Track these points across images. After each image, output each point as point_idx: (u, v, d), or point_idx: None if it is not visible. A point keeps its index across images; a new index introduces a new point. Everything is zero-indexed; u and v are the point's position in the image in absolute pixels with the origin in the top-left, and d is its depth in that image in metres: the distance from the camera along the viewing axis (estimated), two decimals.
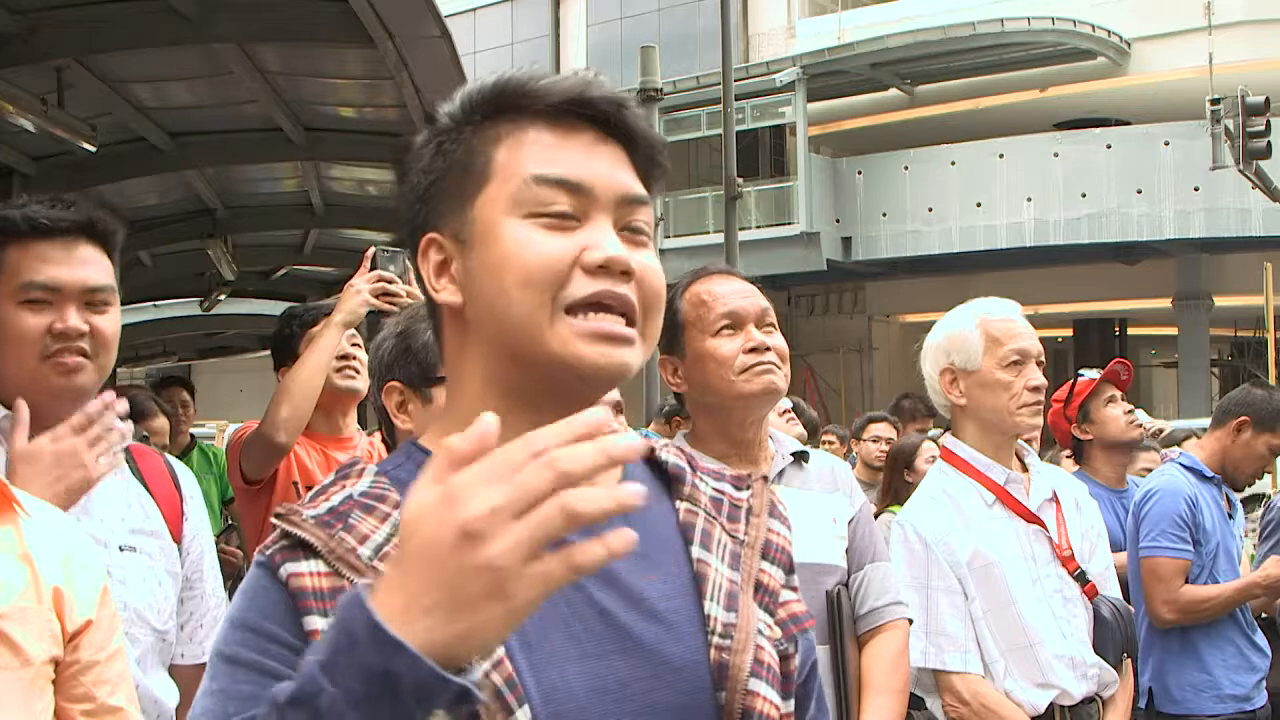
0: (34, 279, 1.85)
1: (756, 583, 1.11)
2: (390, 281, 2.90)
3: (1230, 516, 3.75)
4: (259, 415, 3.43)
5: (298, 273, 10.25)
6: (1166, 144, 21.28)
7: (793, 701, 1.11)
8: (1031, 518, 2.58)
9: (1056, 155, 22.24)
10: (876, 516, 4.19)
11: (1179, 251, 22.45)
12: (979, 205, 22.46)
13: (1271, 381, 14.86)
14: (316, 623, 0.97)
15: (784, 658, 1.10)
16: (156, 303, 12.22)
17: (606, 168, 1.07)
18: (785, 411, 4.24)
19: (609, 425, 0.81)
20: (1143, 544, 3.62)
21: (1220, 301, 23.34)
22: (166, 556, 2.05)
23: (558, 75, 1.09)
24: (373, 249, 3.00)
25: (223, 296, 10.23)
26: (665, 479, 1.15)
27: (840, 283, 25.99)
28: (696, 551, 1.09)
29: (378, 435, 2.76)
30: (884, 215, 23.35)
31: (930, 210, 22.92)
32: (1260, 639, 3.64)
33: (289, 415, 2.88)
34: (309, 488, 2.99)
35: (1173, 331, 24.57)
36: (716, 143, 17.54)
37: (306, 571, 0.99)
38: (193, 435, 5.48)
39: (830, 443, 7.02)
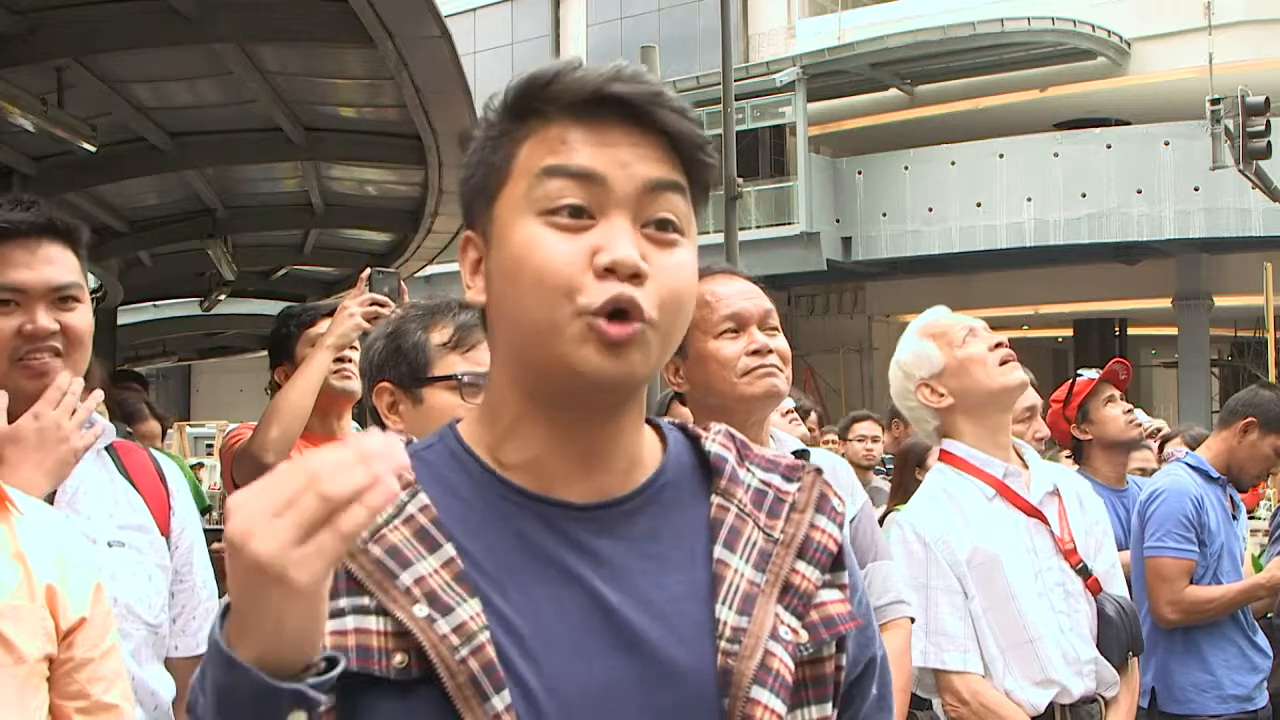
0: None
1: (786, 584, 1.07)
2: (383, 304, 2.89)
3: (1234, 517, 3.75)
4: (258, 415, 3.43)
5: (298, 273, 10.25)
6: (1166, 144, 21.29)
7: (829, 706, 1.08)
8: (1032, 510, 2.57)
9: (1056, 155, 22.25)
10: (885, 515, 4.20)
11: (1179, 251, 22.46)
12: (979, 205, 22.46)
13: (1271, 381, 14.87)
14: None
15: (814, 660, 1.07)
16: (156, 303, 12.22)
17: (626, 156, 1.02)
18: (788, 412, 4.23)
19: (387, 454, 0.84)
20: (1148, 544, 3.61)
21: (1220, 301, 23.35)
22: (155, 551, 2.05)
23: (586, 68, 1.04)
24: (368, 270, 3.00)
25: (223, 296, 10.22)
26: (708, 469, 1.12)
27: (840, 283, 26.00)
28: (718, 552, 1.06)
29: None
30: (884, 215, 23.37)
31: (930, 210, 22.93)
32: (1262, 639, 3.65)
33: (278, 436, 2.88)
34: None
35: (1173, 331, 24.58)
36: (716, 143, 17.40)
37: None
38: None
39: (830, 442, 7.01)
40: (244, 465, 2.98)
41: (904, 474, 4.87)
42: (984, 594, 2.51)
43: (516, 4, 28.15)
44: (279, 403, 2.93)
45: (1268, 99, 15.39)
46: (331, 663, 0.89)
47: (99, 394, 1.93)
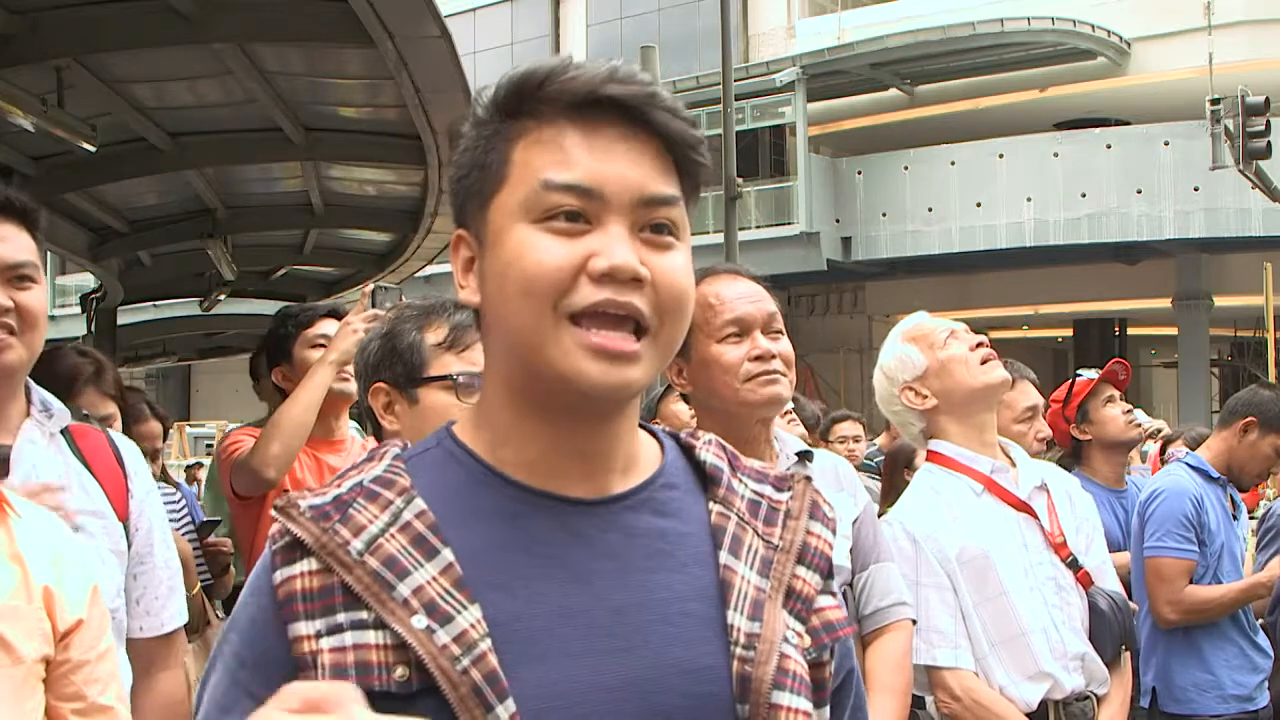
0: None
1: (789, 589, 1.07)
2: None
3: (1235, 518, 3.75)
4: (258, 415, 3.43)
5: (298, 273, 10.24)
6: (1166, 144, 21.30)
7: (827, 709, 1.09)
8: (1021, 505, 2.58)
9: (1056, 155, 22.25)
10: (877, 516, 4.19)
11: (1179, 251, 22.46)
12: (979, 205, 22.47)
13: (1271, 381, 14.87)
14: (301, 629, 0.98)
15: (816, 665, 1.07)
16: (156, 303, 12.21)
17: (624, 167, 1.02)
18: (787, 412, 4.23)
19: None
20: (1148, 544, 3.61)
21: (1220, 301, 23.35)
22: (110, 535, 2.04)
23: (580, 67, 1.03)
24: (371, 286, 3.01)
25: (222, 296, 10.22)
26: (703, 477, 1.13)
27: (840, 283, 26.00)
28: (724, 558, 1.06)
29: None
30: (884, 215, 23.37)
31: (930, 210, 22.93)
32: (1262, 639, 3.64)
33: (279, 452, 2.89)
34: None
35: (1173, 331, 24.58)
36: (716, 143, 17.52)
37: (298, 573, 0.99)
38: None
39: (843, 440, 6.99)
40: (243, 477, 2.99)
41: (894, 476, 4.87)
42: (975, 590, 2.52)
43: (516, 4, 28.15)
44: (280, 418, 2.92)
45: (1268, 99, 15.40)
46: None
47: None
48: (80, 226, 8.08)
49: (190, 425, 22.32)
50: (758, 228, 22.68)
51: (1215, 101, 15.72)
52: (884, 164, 23.67)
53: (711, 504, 1.10)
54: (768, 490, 1.14)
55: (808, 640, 1.06)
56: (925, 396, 2.66)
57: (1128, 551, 3.78)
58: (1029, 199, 22.10)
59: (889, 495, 4.86)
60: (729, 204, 12.76)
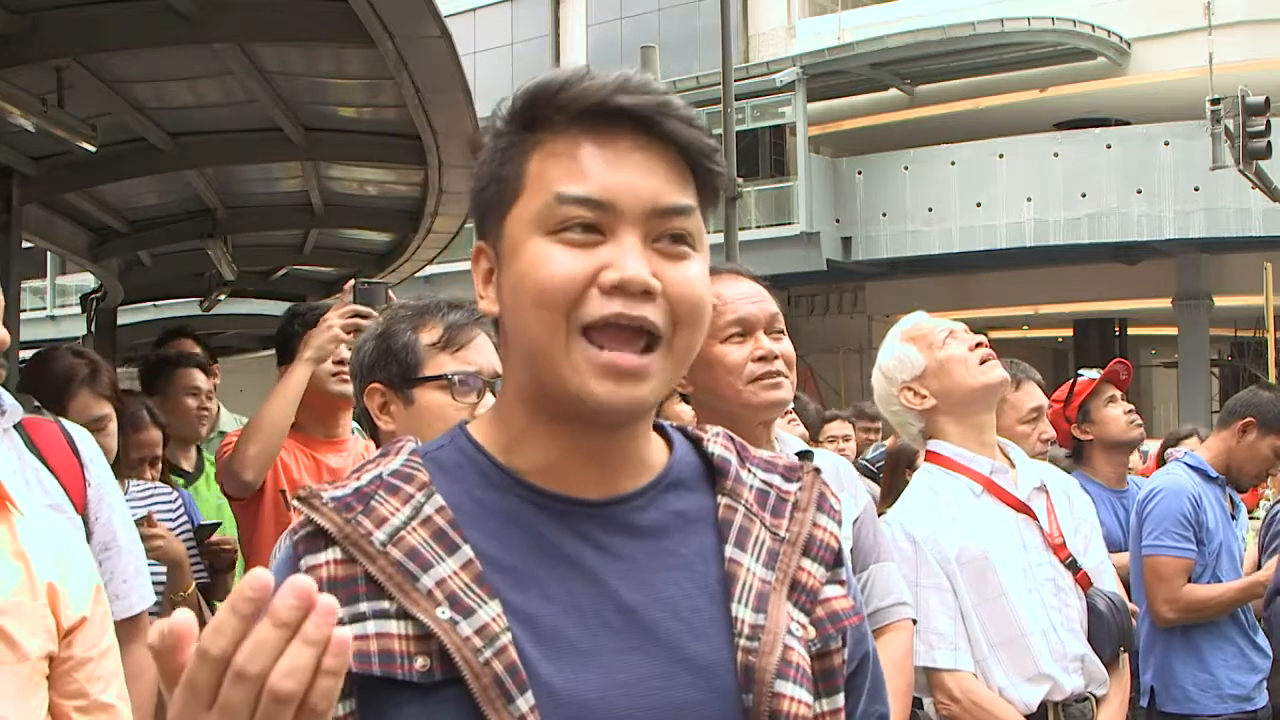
0: None
1: (794, 581, 1.08)
2: (366, 315, 2.87)
3: (1233, 517, 3.75)
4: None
5: (298, 273, 10.23)
6: (1166, 144, 21.29)
7: (840, 697, 1.10)
8: (1020, 506, 2.58)
9: (1056, 155, 22.25)
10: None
11: (1179, 251, 22.46)
12: (979, 205, 22.46)
13: (1272, 381, 14.86)
14: None
15: (823, 655, 1.09)
16: (156, 303, 12.21)
17: (637, 178, 1.02)
18: (788, 412, 4.23)
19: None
20: (1146, 543, 3.61)
21: (1220, 301, 23.35)
22: (72, 526, 2.05)
23: (593, 77, 1.03)
24: (352, 281, 2.98)
25: (223, 296, 10.21)
26: (711, 470, 1.14)
27: (840, 283, 26.00)
28: (730, 550, 1.07)
29: None
30: (884, 215, 23.36)
31: (930, 210, 22.92)
32: (1262, 639, 3.64)
33: (257, 453, 2.88)
34: None
35: (1173, 331, 24.58)
36: (717, 142, 17.52)
37: (323, 561, 1.01)
38: (199, 450, 4.56)
39: (832, 440, 6.99)
40: (227, 479, 2.99)
41: (895, 476, 4.86)
42: (974, 591, 2.52)
43: (516, 4, 28.13)
44: (257, 419, 2.92)
45: (1268, 99, 15.40)
46: None
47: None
48: (80, 226, 8.07)
49: None
50: (758, 228, 22.67)
51: (1215, 101, 15.72)
52: (884, 164, 23.67)
53: (719, 496, 1.11)
54: (776, 480, 1.15)
55: (811, 632, 1.08)
56: (924, 396, 2.66)
57: (1128, 551, 3.78)
58: (1029, 199, 22.10)
59: (888, 496, 4.85)
60: (729, 204, 12.76)
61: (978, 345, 2.65)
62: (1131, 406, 4.10)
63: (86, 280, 10.41)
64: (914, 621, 2.37)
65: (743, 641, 1.03)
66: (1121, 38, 22.85)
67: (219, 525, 3.84)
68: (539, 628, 1.00)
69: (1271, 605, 2.48)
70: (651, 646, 1.02)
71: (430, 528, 1.01)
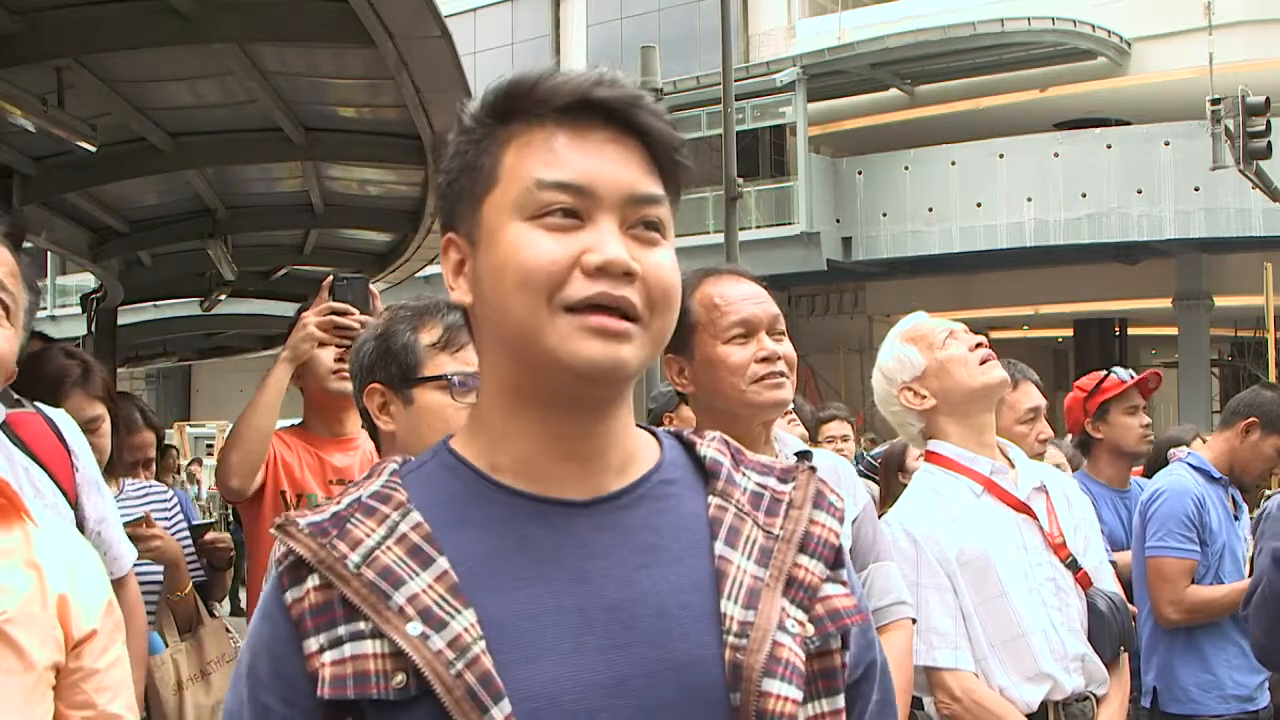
0: None
1: (790, 578, 1.08)
2: (343, 312, 2.84)
3: (1236, 518, 3.75)
4: None
5: (298, 273, 10.23)
6: (1166, 144, 21.29)
7: (840, 699, 1.09)
8: (1021, 506, 2.58)
9: (1056, 155, 22.24)
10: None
11: (1179, 251, 22.46)
12: (979, 205, 22.45)
13: (1272, 381, 14.85)
14: (311, 645, 1.00)
15: (822, 654, 1.08)
16: (156, 303, 12.21)
17: (612, 167, 1.05)
18: (788, 412, 4.23)
19: None
20: (1149, 543, 3.61)
21: (1220, 301, 23.34)
22: (66, 523, 2.05)
23: (567, 73, 1.07)
24: (330, 278, 2.95)
25: (223, 296, 10.21)
26: (704, 473, 1.14)
27: (840, 283, 26.00)
28: (719, 548, 1.07)
29: None
30: (884, 215, 23.36)
31: (930, 210, 22.92)
32: None
33: (240, 460, 2.85)
34: (299, 495, 2.99)
35: (1173, 331, 24.57)
36: (716, 143, 17.53)
37: (306, 590, 1.02)
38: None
39: (830, 440, 6.99)
40: (219, 486, 2.98)
41: (889, 479, 4.86)
42: (975, 591, 2.52)
43: (516, 4, 28.14)
44: (239, 425, 2.89)
45: (1268, 99, 15.39)
46: None
47: None
48: (80, 226, 8.08)
49: (190, 425, 22.33)
50: (758, 228, 22.67)
51: (1215, 101, 15.71)
52: (884, 164, 23.66)
53: (710, 497, 1.11)
54: (771, 482, 1.15)
55: (810, 629, 1.07)
56: (924, 397, 2.65)
57: (1130, 551, 3.78)
58: (1029, 199, 22.09)
59: (886, 500, 4.85)
60: (729, 204, 12.76)
61: (977, 345, 2.65)
62: (1149, 421, 4.08)
63: (86, 280, 10.41)
64: (914, 621, 2.37)
65: (731, 639, 1.03)
66: (1121, 38, 22.85)
67: (214, 523, 3.84)
68: (518, 629, 1.00)
69: (1248, 606, 2.48)
70: (636, 644, 1.01)
71: (405, 545, 1.02)
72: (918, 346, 2.68)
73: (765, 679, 1.01)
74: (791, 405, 4.47)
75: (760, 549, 1.08)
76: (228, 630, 3.44)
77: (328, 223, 8.52)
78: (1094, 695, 2.55)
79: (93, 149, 5.74)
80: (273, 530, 1.05)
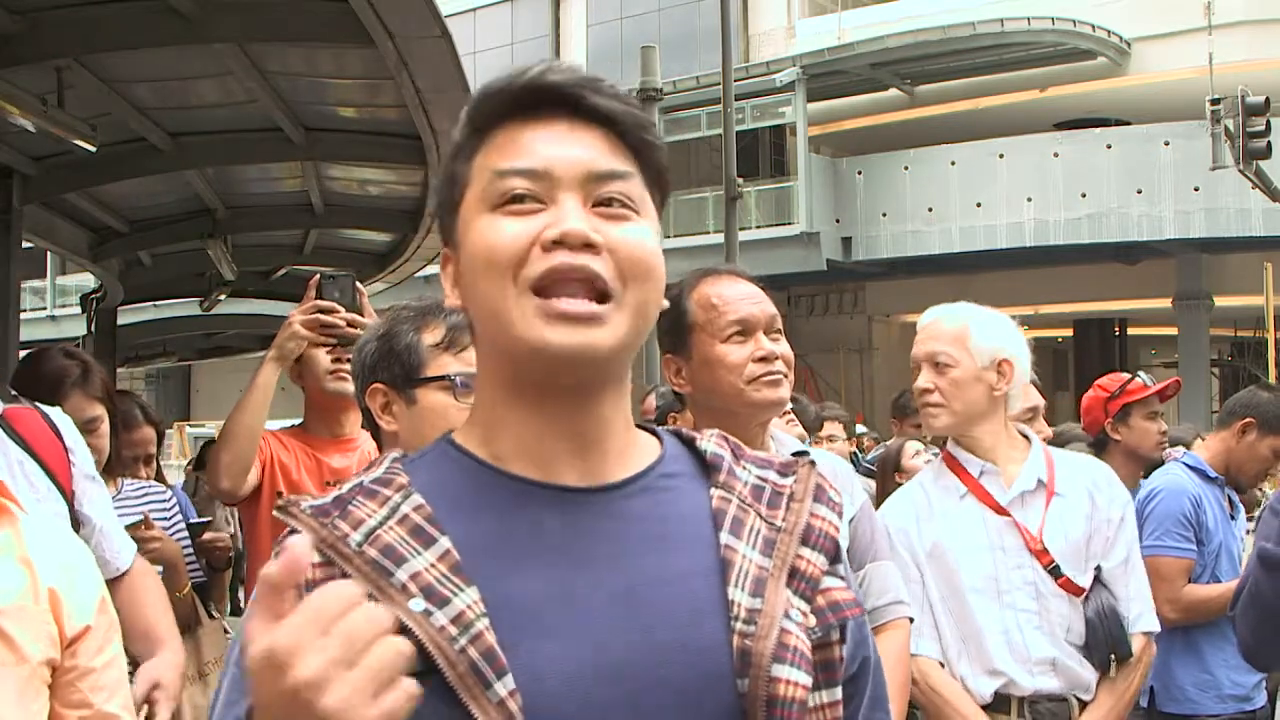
0: None
1: (792, 569, 1.08)
2: (329, 310, 2.83)
3: (1233, 517, 3.75)
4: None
5: (298, 273, 10.22)
6: (1166, 144, 21.29)
7: (839, 690, 1.09)
8: (1000, 510, 2.62)
9: (1056, 155, 22.24)
10: None
11: (1179, 251, 22.46)
12: (979, 205, 22.46)
13: (1272, 381, 14.85)
14: None
15: (823, 645, 1.08)
16: (156, 303, 12.21)
17: (570, 149, 1.07)
18: (786, 413, 4.23)
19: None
20: (1146, 543, 3.61)
21: (1220, 301, 23.35)
22: (59, 519, 2.07)
23: (523, 67, 1.09)
24: (317, 276, 2.93)
25: (223, 296, 10.21)
26: (704, 467, 1.15)
27: (840, 283, 26.00)
28: (724, 538, 1.08)
29: None
30: (884, 215, 23.36)
31: (930, 210, 22.92)
32: None
33: (230, 461, 2.84)
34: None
35: (1173, 331, 24.58)
36: (716, 143, 17.54)
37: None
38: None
39: (831, 438, 6.99)
40: (211, 488, 2.97)
41: (885, 480, 4.87)
42: (940, 585, 2.62)
43: (516, 4, 28.14)
44: (228, 425, 2.88)
45: (1268, 99, 15.39)
46: None
47: None
48: (80, 226, 8.07)
49: (190, 425, 22.33)
50: (758, 228, 22.67)
51: (1215, 101, 15.72)
52: (884, 164, 23.67)
53: (713, 489, 1.12)
54: (771, 476, 1.15)
55: (812, 620, 1.07)
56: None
57: None
58: (1029, 199, 22.10)
59: (881, 503, 4.86)
60: (729, 204, 12.76)
61: (919, 392, 2.72)
62: (1166, 428, 4.09)
63: (86, 280, 10.41)
64: (911, 620, 2.38)
65: (739, 625, 1.03)
66: (1121, 38, 22.85)
67: (210, 522, 3.85)
68: (522, 612, 1.00)
69: (1235, 606, 2.48)
70: (641, 629, 1.01)
71: (407, 525, 1.03)
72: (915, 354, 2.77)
73: (775, 664, 1.02)
74: (791, 405, 4.50)
75: (764, 540, 1.09)
76: (226, 631, 3.45)
77: (328, 223, 8.51)
78: (1077, 698, 2.57)
79: (93, 149, 5.74)
80: (275, 512, 1.06)
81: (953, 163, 22.90)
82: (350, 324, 2.81)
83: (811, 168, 23.25)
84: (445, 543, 1.02)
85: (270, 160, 7.05)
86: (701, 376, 2.19)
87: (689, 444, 1.17)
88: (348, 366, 3.01)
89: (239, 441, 2.85)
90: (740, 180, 13.08)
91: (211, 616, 3.47)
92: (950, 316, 2.73)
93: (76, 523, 2.13)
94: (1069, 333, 27.00)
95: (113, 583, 2.16)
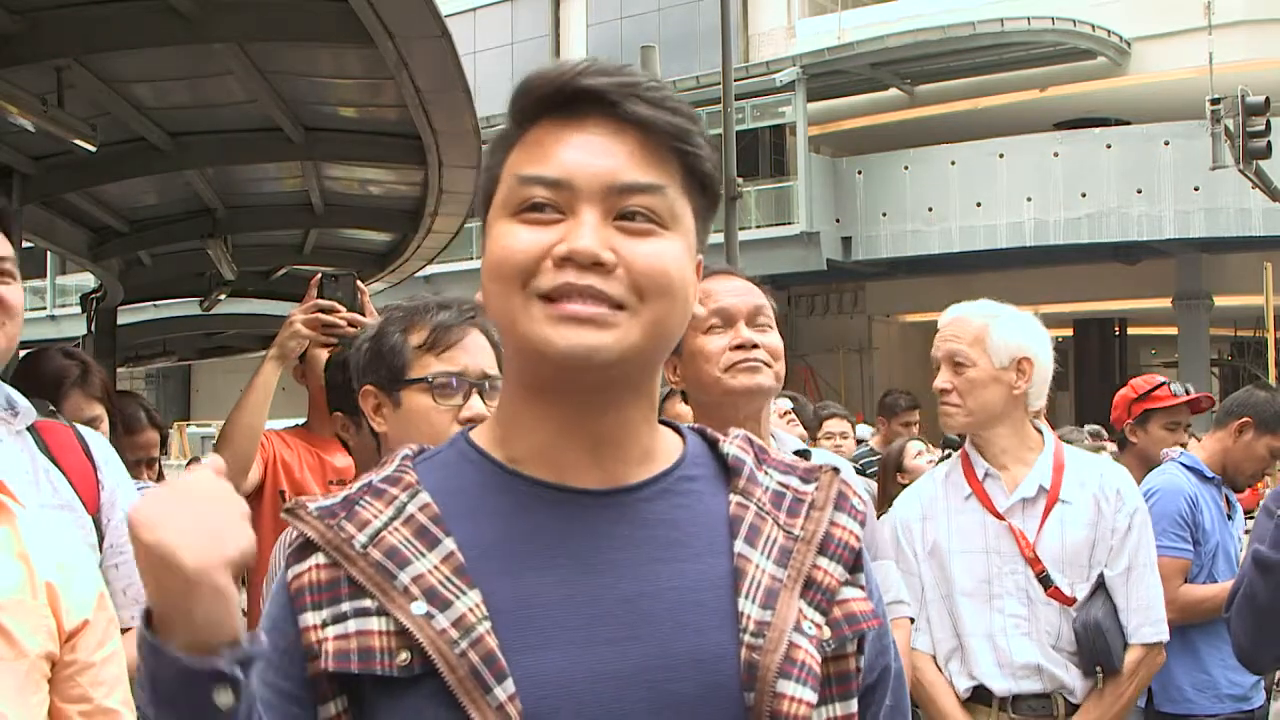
0: None
1: (808, 579, 1.07)
2: (330, 310, 2.82)
3: (1229, 517, 3.75)
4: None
5: (298, 273, 10.23)
6: (1166, 144, 21.29)
7: (854, 703, 1.08)
8: (998, 515, 2.65)
9: (1056, 155, 22.24)
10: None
11: (1179, 251, 22.46)
12: (979, 205, 22.46)
13: (1271, 382, 14.85)
14: (309, 619, 1.01)
15: (838, 657, 1.07)
16: (156, 303, 12.20)
17: (595, 158, 1.03)
18: (785, 413, 4.23)
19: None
20: None
21: (1220, 301, 23.34)
22: (80, 530, 2.05)
23: (561, 64, 1.06)
24: (319, 276, 2.93)
25: (223, 296, 10.21)
26: (726, 470, 1.13)
27: (840, 283, 25.99)
28: (739, 546, 1.06)
29: None
30: (884, 215, 23.36)
31: (930, 210, 22.92)
32: None
33: (229, 458, 2.81)
34: (298, 495, 2.99)
35: (1173, 331, 24.57)
36: (716, 142, 17.44)
37: (308, 567, 1.04)
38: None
39: (829, 438, 6.98)
40: None
41: (886, 481, 4.87)
42: (937, 583, 2.69)
43: (516, 4, 28.13)
44: (228, 424, 2.89)
45: (1268, 99, 15.39)
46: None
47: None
48: (80, 226, 8.07)
49: (190, 425, 22.33)
50: (758, 228, 22.67)
51: (1215, 101, 15.72)
52: (884, 164, 23.66)
53: (731, 495, 1.10)
54: (794, 482, 1.14)
55: (827, 632, 1.06)
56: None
57: None
58: (1029, 199, 22.10)
59: (884, 501, 4.86)
60: (729, 204, 12.75)
61: (939, 390, 2.76)
62: (1188, 440, 4.08)
63: (86, 280, 10.40)
64: (912, 620, 2.40)
65: (747, 638, 1.02)
66: (1121, 37, 22.85)
67: None
68: (528, 615, 1.00)
69: (1229, 608, 2.48)
70: (650, 638, 1.01)
71: (412, 526, 1.03)
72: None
73: (780, 680, 1.00)
74: (791, 406, 4.49)
75: (780, 549, 1.07)
76: None
77: (328, 223, 8.51)
78: (1063, 697, 2.59)
79: (93, 149, 5.74)
80: (283, 514, 1.07)
81: (953, 163, 22.90)
82: (351, 323, 2.81)
83: (811, 167, 23.24)
84: (450, 544, 1.01)
85: (270, 160, 7.05)
86: (688, 370, 2.19)
87: (712, 445, 1.16)
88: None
89: (239, 440, 2.85)
90: (740, 180, 13.08)
91: None
92: (971, 315, 2.73)
93: (106, 542, 2.11)
94: (1069, 333, 26.98)
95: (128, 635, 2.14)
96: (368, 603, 1.00)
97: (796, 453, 2.35)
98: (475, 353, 2.02)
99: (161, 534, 0.90)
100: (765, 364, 2.15)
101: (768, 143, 25.31)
